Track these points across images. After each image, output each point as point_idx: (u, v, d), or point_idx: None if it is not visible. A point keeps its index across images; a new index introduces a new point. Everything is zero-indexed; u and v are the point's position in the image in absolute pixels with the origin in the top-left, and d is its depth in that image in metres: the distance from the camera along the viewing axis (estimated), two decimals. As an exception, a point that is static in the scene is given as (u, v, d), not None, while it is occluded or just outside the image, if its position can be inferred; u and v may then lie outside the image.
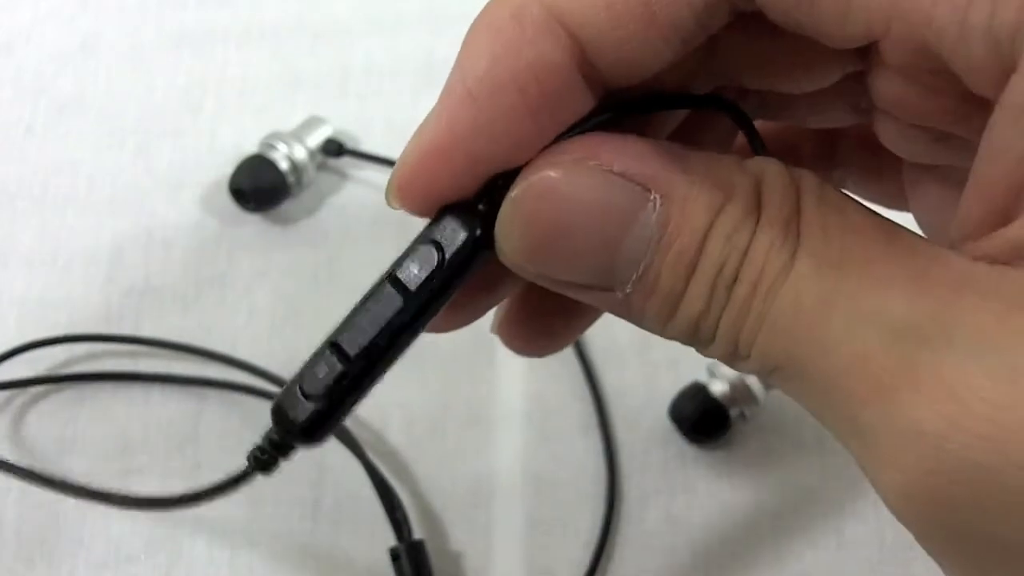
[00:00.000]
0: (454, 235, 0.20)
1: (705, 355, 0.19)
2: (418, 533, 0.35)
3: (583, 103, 0.19)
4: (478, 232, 0.19)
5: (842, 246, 0.18)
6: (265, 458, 0.21)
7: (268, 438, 0.21)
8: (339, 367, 0.20)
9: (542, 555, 0.36)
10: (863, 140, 0.24)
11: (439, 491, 0.37)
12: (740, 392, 0.36)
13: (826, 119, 0.23)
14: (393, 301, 0.20)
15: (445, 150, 0.19)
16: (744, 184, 0.18)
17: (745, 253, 0.18)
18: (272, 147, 0.41)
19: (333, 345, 0.20)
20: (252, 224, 0.41)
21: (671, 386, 0.37)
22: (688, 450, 0.37)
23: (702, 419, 0.36)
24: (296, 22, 0.46)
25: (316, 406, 0.20)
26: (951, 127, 0.20)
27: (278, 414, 0.20)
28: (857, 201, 0.18)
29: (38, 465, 0.36)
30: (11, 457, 0.36)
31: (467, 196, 0.20)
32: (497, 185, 0.19)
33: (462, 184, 0.19)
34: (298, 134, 0.41)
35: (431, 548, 0.35)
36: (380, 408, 0.38)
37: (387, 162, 0.42)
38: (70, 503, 0.36)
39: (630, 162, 0.18)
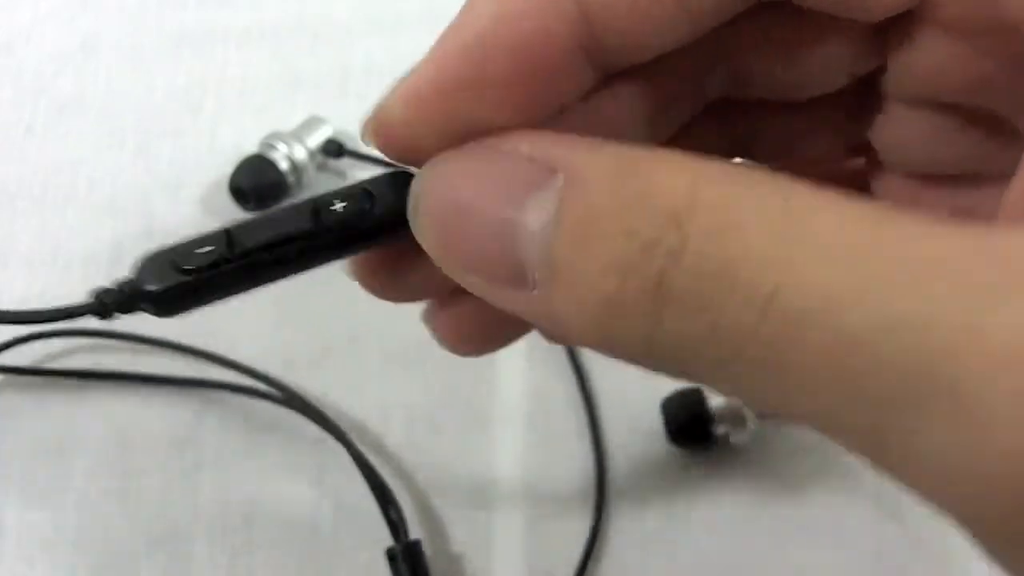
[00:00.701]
0: (386, 196, 0.19)
1: (653, 364, 0.16)
2: (418, 534, 0.35)
3: (580, 80, 0.19)
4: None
5: (861, 206, 0.15)
6: (108, 302, 0.20)
7: (120, 287, 0.20)
8: (218, 255, 0.19)
9: (542, 555, 0.36)
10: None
11: (439, 491, 0.37)
12: (731, 412, 0.36)
13: (817, 148, 0.22)
14: (302, 224, 0.19)
15: (428, 99, 0.18)
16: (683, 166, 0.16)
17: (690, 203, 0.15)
18: (272, 147, 0.41)
19: (227, 233, 0.19)
20: (252, 224, 0.41)
21: (671, 387, 0.37)
22: (686, 450, 0.37)
23: (686, 424, 0.36)
24: (296, 22, 0.46)
25: (178, 280, 0.19)
26: (996, 102, 0.19)
27: (140, 271, 0.19)
28: None
29: (38, 463, 0.36)
30: (9, 455, 0.36)
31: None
32: None
33: (439, 139, 0.18)
34: (298, 134, 0.41)
35: (431, 549, 0.35)
36: (380, 408, 0.38)
37: (387, 163, 0.42)
38: (70, 502, 0.36)
39: (541, 145, 0.17)
